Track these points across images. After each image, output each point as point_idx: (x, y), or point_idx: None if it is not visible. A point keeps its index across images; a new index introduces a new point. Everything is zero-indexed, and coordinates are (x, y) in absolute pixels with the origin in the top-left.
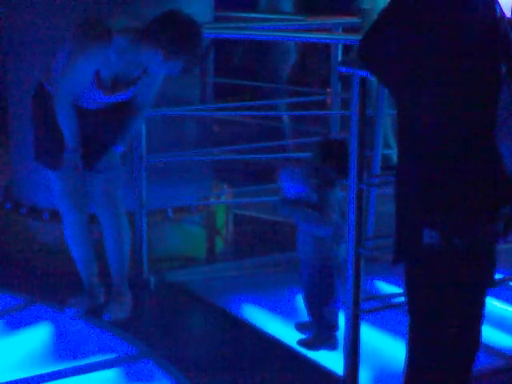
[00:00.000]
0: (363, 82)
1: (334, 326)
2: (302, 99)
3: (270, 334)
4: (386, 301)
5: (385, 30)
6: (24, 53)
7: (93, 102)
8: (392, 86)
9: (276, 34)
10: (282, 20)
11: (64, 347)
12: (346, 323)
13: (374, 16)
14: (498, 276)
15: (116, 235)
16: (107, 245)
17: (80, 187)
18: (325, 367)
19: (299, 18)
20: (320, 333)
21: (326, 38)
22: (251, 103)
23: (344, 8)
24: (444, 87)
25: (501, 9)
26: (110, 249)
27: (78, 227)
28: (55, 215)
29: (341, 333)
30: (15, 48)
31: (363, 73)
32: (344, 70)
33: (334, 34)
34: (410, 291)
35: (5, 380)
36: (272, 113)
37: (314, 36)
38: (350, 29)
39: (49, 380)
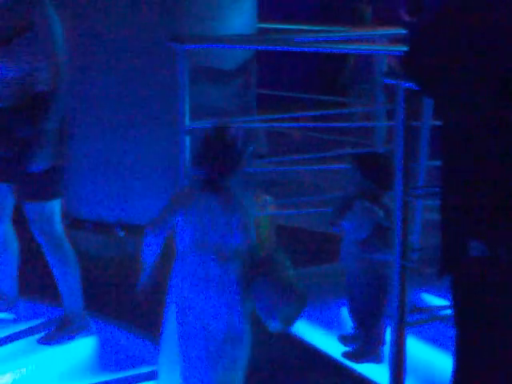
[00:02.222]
0: (408, 92)
1: (381, 340)
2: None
3: (314, 346)
4: (431, 313)
5: (429, 41)
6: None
7: None
8: (436, 96)
9: (320, 45)
10: (326, 31)
11: (107, 358)
12: (392, 336)
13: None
14: None
15: (56, 269)
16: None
17: None
18: (370, 380)
19: (344, 28)
20: (366, 345)
21: (372, 49)
22: (294, 114)
23: None
24: (488, 95)
25: None
26: (56, 277)
27: None
28: (98, 226)
29: (386, 345)
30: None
31: (407, 84)
32: (388, 80)
33: (379, 44)
34: (456, 303)
35: None
36: (314, 124)
37: (360, 47)
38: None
39: None
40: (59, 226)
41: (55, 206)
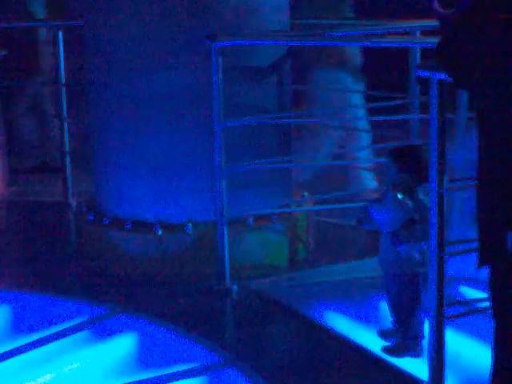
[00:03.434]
0: (441, 85)
1: (419, 335)
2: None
3: (353, 341)
4: (470, 306)
5: (462, 33)
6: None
7: None
8: (471, 89)
9: (353, 39)
10: (358, 25)
11: (148, 356)
12: (430, 329)
13: None
14: None
15: None
16: None
17: None
18: (410, 373)
19: (377, 22)
20: (405, 340)
21: (405, 42)
22: (329, 110)
23: None
24: None
25: None
26: None
27: None
28: (137, 225)
29: (425, 339)
30: (101, 57)
31: (441, 75)
32: (421, 73)
33: (412, 37)
34: (495, 295)
35: None
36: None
37: (392, 40)
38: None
39: None
40: None
41: None
